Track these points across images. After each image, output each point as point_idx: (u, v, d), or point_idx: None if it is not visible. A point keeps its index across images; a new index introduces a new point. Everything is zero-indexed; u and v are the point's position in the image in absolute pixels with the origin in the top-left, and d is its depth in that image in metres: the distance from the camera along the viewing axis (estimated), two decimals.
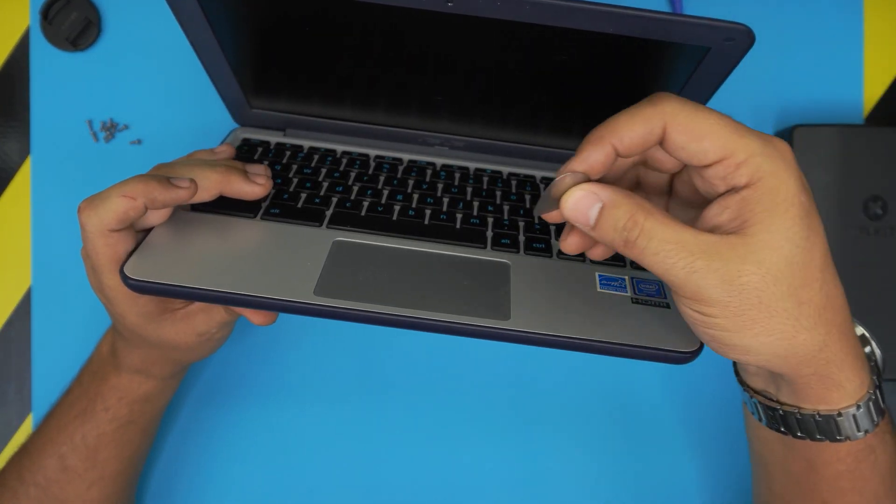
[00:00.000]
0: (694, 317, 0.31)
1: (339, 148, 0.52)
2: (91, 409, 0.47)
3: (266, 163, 0.48)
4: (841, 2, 0.57)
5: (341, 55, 0.45)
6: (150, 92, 0.57)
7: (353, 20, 0.41)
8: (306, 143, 0.52)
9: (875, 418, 0.34)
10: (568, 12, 0.37)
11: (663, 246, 0.29)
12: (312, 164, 0.49)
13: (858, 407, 0.34)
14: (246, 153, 0.50)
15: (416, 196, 0.47)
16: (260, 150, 0.50)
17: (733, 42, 0.38)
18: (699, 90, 0.43)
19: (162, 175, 0.39)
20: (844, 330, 0.32)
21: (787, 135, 0.55)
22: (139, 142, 0.57)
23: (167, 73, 0.57)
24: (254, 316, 0.41)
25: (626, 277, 0.43)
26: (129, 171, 0.55)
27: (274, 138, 0.52)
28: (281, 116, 0.51)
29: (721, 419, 0.56)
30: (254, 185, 0.41)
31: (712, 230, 0.31)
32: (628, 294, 0.42)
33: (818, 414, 0.34)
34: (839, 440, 0.35)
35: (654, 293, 0.42)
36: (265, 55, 0.46)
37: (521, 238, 0.45)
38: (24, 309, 0.57)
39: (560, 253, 0.45)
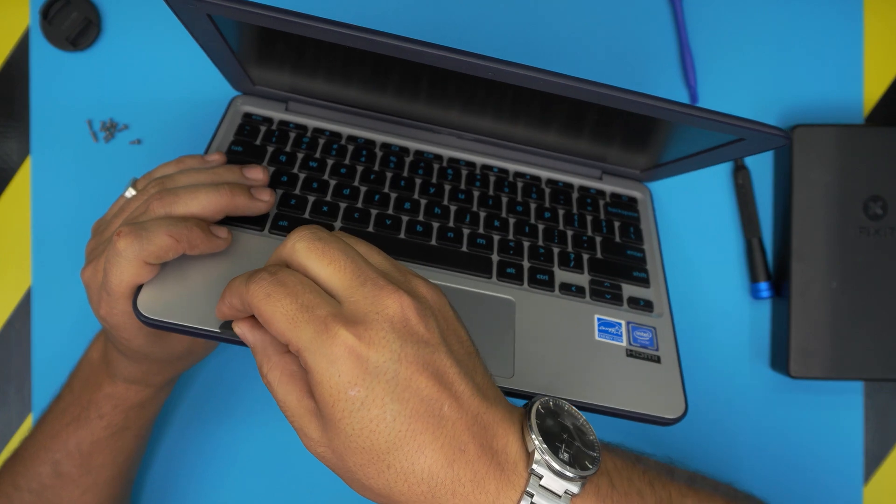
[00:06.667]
0: None
1: (344, 131, 0.51)
2: (84, 416, 0.47)
3: (265, 163, 0.48)
4: (841, 2, 0.58)
5: (343, 53, 0.44)
6: (150, 92, 0.57)
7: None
8: (310, 123, 0.51)
9: None
10: (614, 99, 0.37)
11: (278, 399, 0.33)
12: (317, 155, 0.49)
13: None
14: (248, 134, 0.49)
15: (423, 203, 0.48)
16: (263, 129, 0.49)
17: (766, 139, 0.39)
18: (714, 159, 0.45)
19: (200, 221, 0.39)
20: (437, 495, 0.31)
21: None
22: (139, 142, 0.57)
23: (167, 73, 0.57)
24: None
25: (623, 322, 0.45)
26: (129, 171, 0.56)
27: (276, 114, 0.51)
28: (283, 92, 0.51)
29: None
30: (258, 202, 0.42)
31: None
32: (623, 344, 0.44)
33: None
34: None
35: (647, 343, 0.44)
36: (267, 37, 0.45)
37: (526, 265, 0.46)
38: (24, 309, 0.57)
39: (562, 287, 0.46)
